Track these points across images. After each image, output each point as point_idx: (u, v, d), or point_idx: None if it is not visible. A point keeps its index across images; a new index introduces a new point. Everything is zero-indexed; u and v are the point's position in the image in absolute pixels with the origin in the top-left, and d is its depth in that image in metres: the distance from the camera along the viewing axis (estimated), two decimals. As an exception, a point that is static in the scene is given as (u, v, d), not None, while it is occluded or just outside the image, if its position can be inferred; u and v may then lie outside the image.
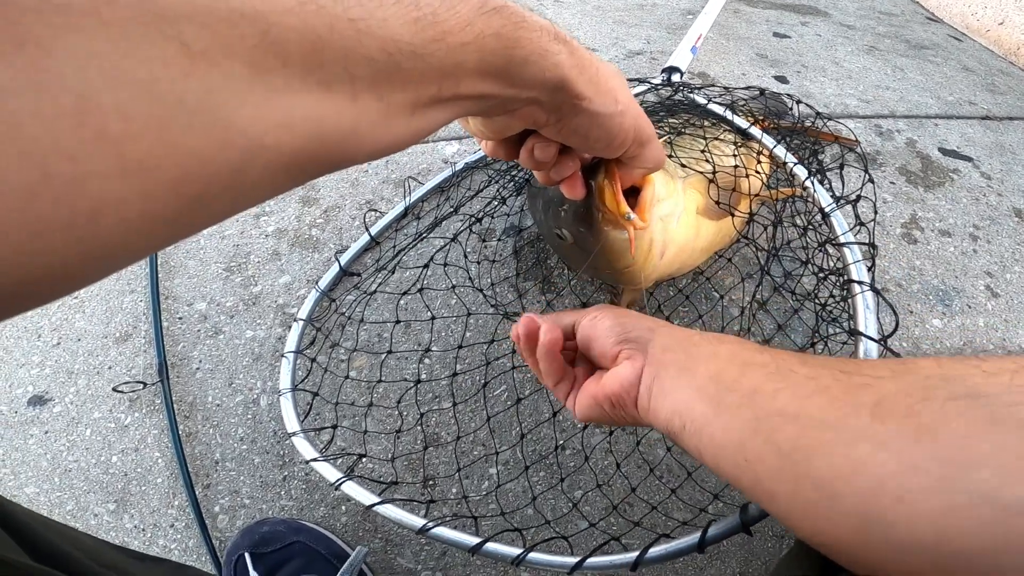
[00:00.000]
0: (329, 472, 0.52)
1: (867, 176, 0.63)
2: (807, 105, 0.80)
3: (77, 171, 0.14)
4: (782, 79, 1.12)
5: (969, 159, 0.98)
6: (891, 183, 0.90)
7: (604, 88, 0.30)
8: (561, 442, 0.60)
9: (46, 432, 0.65)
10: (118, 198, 0.15)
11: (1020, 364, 0.21)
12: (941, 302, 0.76)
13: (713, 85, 0.84)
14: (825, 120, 0.80)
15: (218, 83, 0.16)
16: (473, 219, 0.73)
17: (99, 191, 0.14)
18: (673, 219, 0.54)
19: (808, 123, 0.83)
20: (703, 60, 1.14)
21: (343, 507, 0.58)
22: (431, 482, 0.58)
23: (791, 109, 0.82)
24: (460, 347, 0.65)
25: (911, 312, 0.74)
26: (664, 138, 0.66)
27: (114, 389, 0.64)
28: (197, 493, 0.58)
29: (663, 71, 0.94)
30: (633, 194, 0.47)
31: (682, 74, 0.94)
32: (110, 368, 0.68)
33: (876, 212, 0.74)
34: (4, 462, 0.64)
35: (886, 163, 0.94)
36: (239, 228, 0.80)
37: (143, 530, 0.58)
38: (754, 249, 0.66)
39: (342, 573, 0.47)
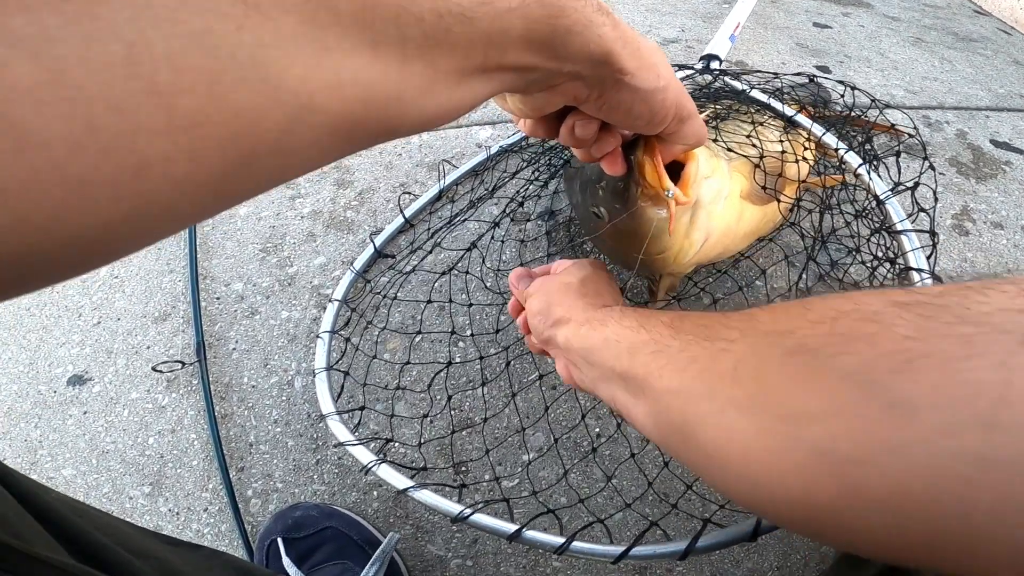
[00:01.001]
0: (363, 455, 0.52)
1: (927, 163, 0.61)
2: (862, 91, 0.77)
3: (125, 124, 0.13)
4: (824, 69, 1.09)
5: (1021, 152, 0.95)
6: (941, 174, 0.87)
7: (647, 63, 0.29)
8: (586, 413, 0.58)
9: (85, 412, 0.66)
10: (165, 155, 0.14)
11: (839, 311, 0.21)
12: (995, 296, 0.72)
13: (758, 71, 0.82)
14: (881, 107, 0.77)
15: (270, 38, 0.15)
16: (513, 202, 0.72)
17: (146, 146, 0.14)
18: (718, 201, 0.52)
19: (859, 112, 0.81)
20: (741, 49, 1.12)
21: (375, 492, 0.57)
22: (463, 467, 0.57)
23: (843, 96, 0.79)
24: (497, 331, 0.64)
25: (963, 306, 0.71)
26: (709, 122, 0.65)
27: (153, 368, 0.65)
28: (231, 476, 0.58)
29: (701, 58, 0.92)
30: (675, 172, 0.45)
31: (721, 61, 0.92)
32: (148, 348, 0.69)
33: (936, 199, 0.71)
34: (42, 443, 0.64)
35: (936, 154, 0.91)
36: (275, 210, 0.80)
37: (177, 514, 0.58)
38: (800, 235, 0.64)
39: (374, 561, 0.47)
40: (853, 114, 0.79)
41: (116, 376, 0.67)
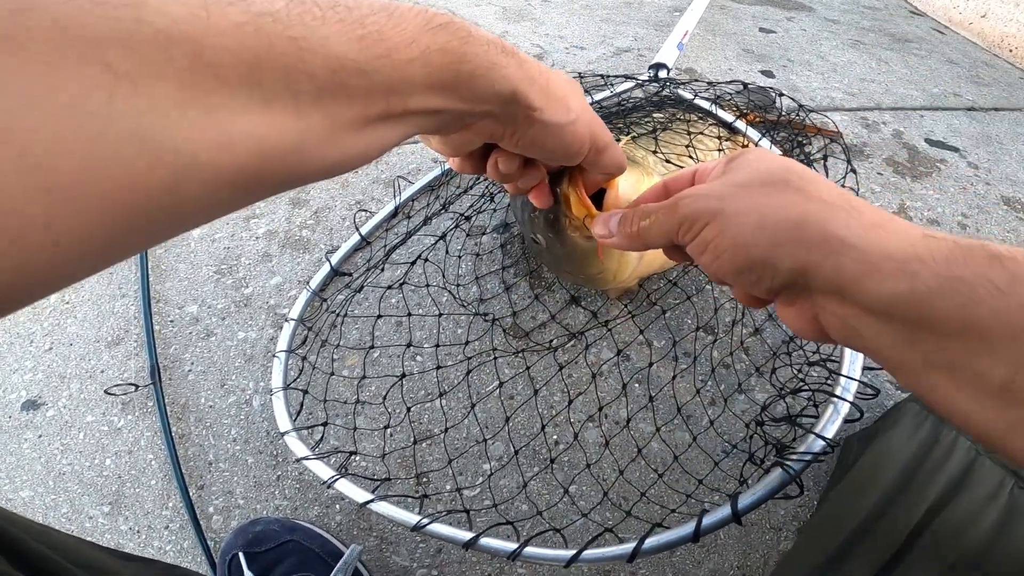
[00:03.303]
0: (322, 470, 0.52)
1: (849, 167, 0.64)
2: (790, 98, 0.80)
3: None
4: (768, 73, 1.13)
5: (956, 149, 0.99)
6: (879, 174, 0.91)
7: (556, 97, 0.30)
8: (545, 423, 0.60)
9: (40, 436, 0.65)
10: (44, 219, 0.15)
11: None
12: (930, 289, 0.76)
13: (698, 80, 0.85)
14: (807, 112, 0.81)
15: (145, 104, 0.16)
16: (461, 216, 0.73)
17: (23, 210, 0.14)
18: None
19: (792, 116, 0.84)
20: (690, 56, 1.15)
21: (337, 506, 0.58)
22: (424, 478, 0.58)
23: (775, 102, 0.83)
24: (437, 345, 0.65)
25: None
26: (648, 134, 0.67)
27: (106, 392, 0.64)
28: (191, 494, 0.57)
29: (650, 67, 0.95)
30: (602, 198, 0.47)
31: (669, 70, 0.94)
32: (102, 372, 0.68)
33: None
34: (0, 467, 0.63)
35: (873, 154, 0.95)
36: (230, 231, 0.79)
37: (138, 532, 0.58)
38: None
39: (336, 572, 0.47)
40: (787, 118, 0.82)
41: (70, 400, 0.66)
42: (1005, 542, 0.37)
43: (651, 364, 0.64)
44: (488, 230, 0.76)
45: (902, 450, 0.46)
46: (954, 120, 1.07)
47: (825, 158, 0.66)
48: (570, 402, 0.61)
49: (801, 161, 0.64)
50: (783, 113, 0.85)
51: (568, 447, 0.59)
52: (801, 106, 0.79)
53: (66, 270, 0.16)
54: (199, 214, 0.19)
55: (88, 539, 0.57)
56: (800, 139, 0.79)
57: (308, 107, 0.20)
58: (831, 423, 0.43)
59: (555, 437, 0.60)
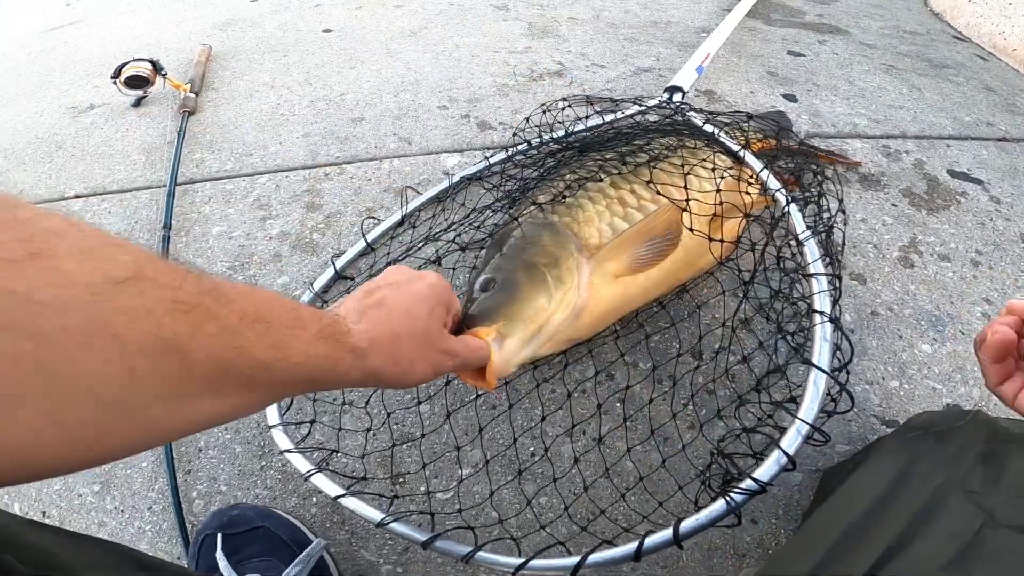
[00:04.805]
0: (302, 463, 0.55)
1: (839, 207, 0.64)
2: (787, 131, 0.80)
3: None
4: (791, 97, 1.12)
5: (979, 182, 0.97)
6: (893, 205, 0.90)
7: (404, 366, 0.39)
8: (517, 436, 0.61)
9: None
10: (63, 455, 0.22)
11: None
12: (933, 327, 0.75)
13: (701, 110, 0.85)
14: (800, 144, 0.80)
15: (149, 397, 0.24)
16: (453, 243, 0.74)
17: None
18: (571, 316, 0.58)
19: (806, 143, 0.84)
20: (712, 77, 1.15)
21: (313, 499, 0.61)
22: (400, 479, 0.60)
23: (791, 127, 0.82)
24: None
25: (900, 337, 0.73)
26: (646, 164, 0.69)
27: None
28: (178, 479, 0.61)
29: (665, 90, 0.96)
30: None
31: (684, 93, 0.95)
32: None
33: (843, 244, 0.75)
34: None
35: (890, 184, 0.93)
36: (246, 230, 0.84)
37: (122, 511, 0.62)
38: (737, 272, 0.66)
39: (298, 562, 0.50)
40: (802, 146, 0.82)
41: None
42: None
43: (628, 386, 0.65)
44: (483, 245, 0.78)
45: (872, 485, 0.46)
46: (982, 151, 1.04)
47: (820, 196, 0.66)
48: (543, 417, 0.62)
49: (795, 198, 0.64)
50: (799, 140, 0.85)
51: (539, 459, 0.60)
52: (801, 142, 0.78)
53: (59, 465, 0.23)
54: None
55: (75, 515, 0.62)
56: (809, 167, 0.78)
57: (243, 391, 0.29)
58: (771, 467, 0.44)
59: (531, 449, 0.62)
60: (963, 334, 0.75)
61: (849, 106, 1.12)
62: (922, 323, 0.75)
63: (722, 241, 0.62)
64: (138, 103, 1.15)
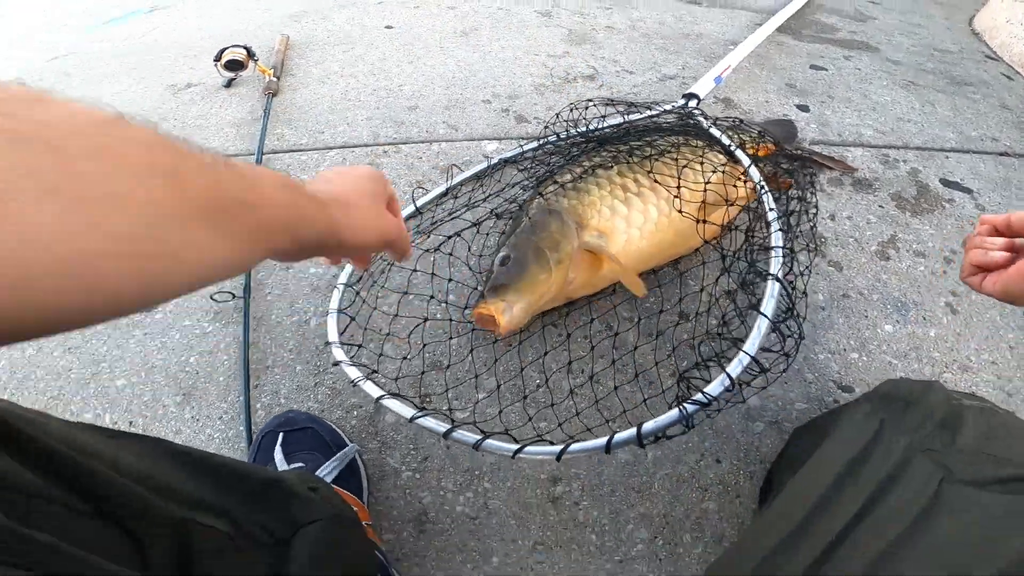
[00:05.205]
0: (352, 373, 0.70)
1: (814, 200, 0.76)
2: (763, 129, 0.92)
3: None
4: (803, 108, 1.22)
5: (969, 191, 1.06)
6: (880, 207, 1.00)
7: (356, 222, 0.45)
8: (524, 366, 0.76)
9: (145, 334, 0.85)
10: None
11: None
12: (897, 311, 0.85)
13: (707, 116, 0.97)
14: (761, 139, 0.92)
15: (163, 218, 0.26)
16: (490, 213, 0.89)
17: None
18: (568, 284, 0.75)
19: (805, 149, 0.95)
20: (731, 87, 1.26)
21: (354, 412, 0.76)
22: (427, 399, 0.75)
23: (796, 135, 0.94)
24: (466, 307, 0.82)
25: (866, 316, 0.84)
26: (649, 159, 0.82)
27: (211, 297, 0.85)
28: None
29: (683, 96, 1.08)
30: None
31: (699, 100, 1.07)
32: (212, 299, 0.89)
33: (815, 226, 0.86)
34: (105, 358, 0.83)
35: (880, 188, 1.03)
36: (315, 194, 1.00)
37: (197, 420, 0.76)
38: (719, 250, 0.79)
39: (334, 459, 0.65)
40: (800, 151, 0.94)
41: (176, 307, 0.88)
42: (924, 534, 0.39)
43: (616, 334, 0.78)
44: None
45: (842, 455, 0.49)
46: (980, 164, 1.13)
47: (804, 190, 0.77)
48: (545, 353, 0.76)
49: (775, 195, 0.76)
50: (798, 146, 0.96)
51: (541, 388, 0.75)
52: (798, 147, 0.89)
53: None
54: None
55: (156, 424, 0.77)
56: (788, 167, 0.90)
57: (229, 227, 0.31)
58: (716, 386, 0.56)
59: (537, 381, 0.76)
60: (925, 319, 0.85)
61: (859, 117, 1.21)
62: (888, 307, 0.86)
63: (705, 222, 0.74)
64: (229, 84, 1.34)
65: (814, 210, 0.82)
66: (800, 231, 0.78)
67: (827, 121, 1.19)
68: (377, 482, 0.71)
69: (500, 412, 0.73)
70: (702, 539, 0.68)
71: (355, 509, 0.63)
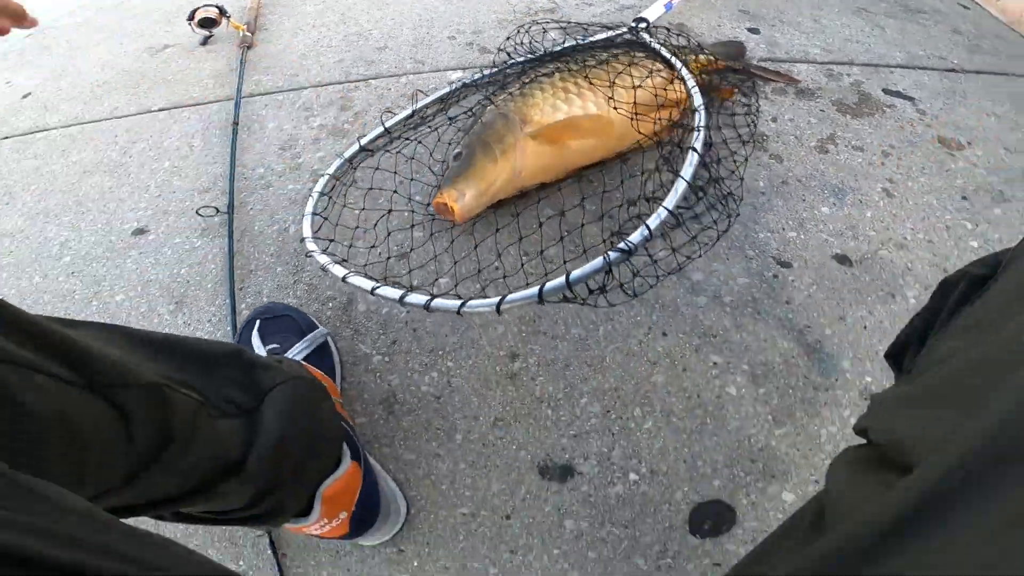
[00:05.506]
0: (323, 259, 0.76)
1: (755, 99, 0.82)
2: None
3: None
4: (754, 31, 1.28)
5: (911, 99, 1.11)
6: (821, 111, 1.06)
7: None
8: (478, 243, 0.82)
9: (140, 253, 0.93)
10: None
11: None
12: (834, 195, 0.92)
13: (653, 34, 1.03)
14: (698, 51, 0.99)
15: None
16: (451, 120, 0.96)
17: None
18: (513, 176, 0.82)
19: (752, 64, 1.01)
20: (684, 13, 1.32)
21: (330, 304, 0.82)
22: (393, 280, 0.82)
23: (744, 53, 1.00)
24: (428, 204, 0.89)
25: (803, 200, 0.91)
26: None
27: (197, 212, 0.92)
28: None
29: (633, 20, 1.14)
30: None
31: (648, 24, 1.13)
32: (194, 208, 0.96)
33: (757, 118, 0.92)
34: (105, 278, 0.91)
35: (823, 96, 1.09)
36: (293, 124, 1.07)
37: (189, 324, 0.84)
38: (656, 142, 0.85)
39: (304, 341, 0.72)
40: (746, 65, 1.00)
41: (167, 228, 0.95)
42: None
43: (563, 212, 0.84)
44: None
45: None
46: (925, 78, 1.18)
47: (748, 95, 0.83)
48: (497, 230, 0.83)
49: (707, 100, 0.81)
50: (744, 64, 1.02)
51: (496, 267, 0.81)
52: (722, 59, 0.96)
53: None
54: None
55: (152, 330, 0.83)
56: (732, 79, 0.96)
57: None
58: (636, 236, 0.62)
59: (494, 262, 0.82)
60: (861, 203, 0.91)
61: (807, 39, 1.27)
62: (825, 192, 0.92)
63: (636, 116, 0.81)
64: (205, 42, 1.40)
65: (755, 111, 0.89)
66: (740, 133, 0.85)
67: (776, 42, 1.25)
68: (350, 368, 0.78)
69: (456, 285, 0.79)
70: (651, 414, 0.74)
71: (323, 384, 0.67)
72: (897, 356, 0.41)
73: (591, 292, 0.62)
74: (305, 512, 0.57)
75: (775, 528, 0.36)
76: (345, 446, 0.63)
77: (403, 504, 0.69)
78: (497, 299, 0.62)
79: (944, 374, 0.29)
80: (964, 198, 0.94)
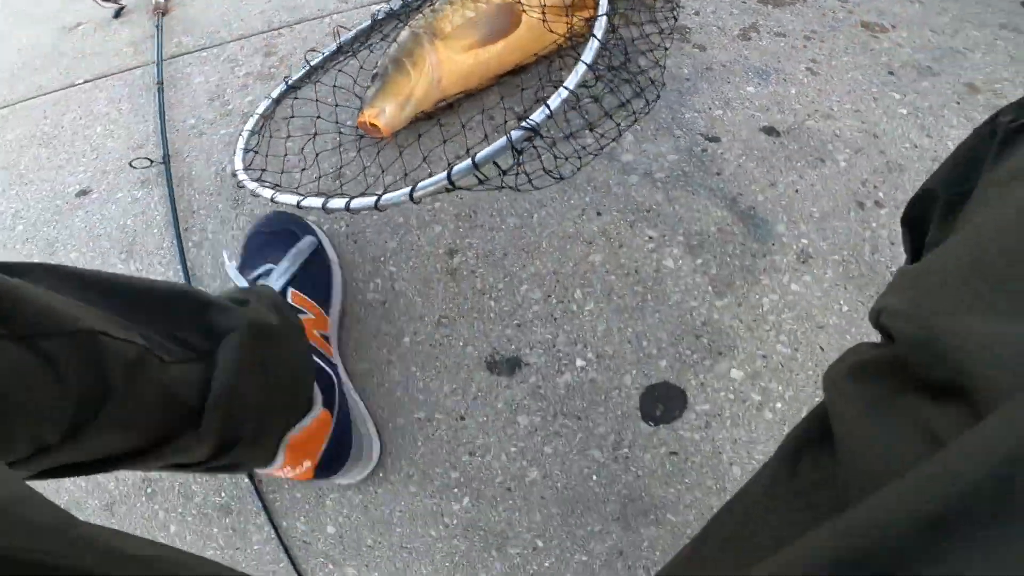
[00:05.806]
0: (252, 185, 0.77)
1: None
2: None
3: None
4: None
5: (832, -13, 1.13)
6: (742, 2, 1.07)
7: None
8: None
9: (87, 212, 0.93)
10: None
11: None
12: (759, 76, 0.94)
13: None
14: None
15: None
16: (371, 50, 0.96)
17: None
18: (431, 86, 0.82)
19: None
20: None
21: None
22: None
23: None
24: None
25: (728, 82, 0.92)
26: None
27: (129, 164, 0.92)
28: (181, 233, 0.84)
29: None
30: None
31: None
32: (131, 164, 0.95)
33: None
34: (58, 239, 0.91)
35: (744, -9, 1.11)
36: (219, 75, 1.06)
37: (141, 269, 0.85)
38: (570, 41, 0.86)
39: (286, 259, 0.70)
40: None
41: (108, 186, 0.95)
42: None
43: (484, 111, 0.85)
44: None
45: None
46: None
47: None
48: (419, 136, 0.84)
49: None
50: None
51: (421, 169, 0.82)
52: None
53: None
54: None
55: None
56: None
57: None
58: (541, 115, 0.63)
59: (424, 167, 0.83)
60: (785, 81, 0.93)
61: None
62: (749, 74, 0.94)
63: (545, 18, 0.81)
64: (118, 15, 1.35)
65: (676, 4, 0.89)
66: (662, 28, 0.86)
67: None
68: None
69: (385, 189, 0.79)
70: (592, 294, 0.75)
71: (300, 318, 0.66)
72: (917, 219, 0.29)
73: (504, 173, 0.63)
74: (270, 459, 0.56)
75: (759, 469, 0.30)
76: (317, 391, 0.61)
77: (376, 449, 0.68)
78: (409, 188, 0.63)
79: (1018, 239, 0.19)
80: (891, 73, 0.97)
